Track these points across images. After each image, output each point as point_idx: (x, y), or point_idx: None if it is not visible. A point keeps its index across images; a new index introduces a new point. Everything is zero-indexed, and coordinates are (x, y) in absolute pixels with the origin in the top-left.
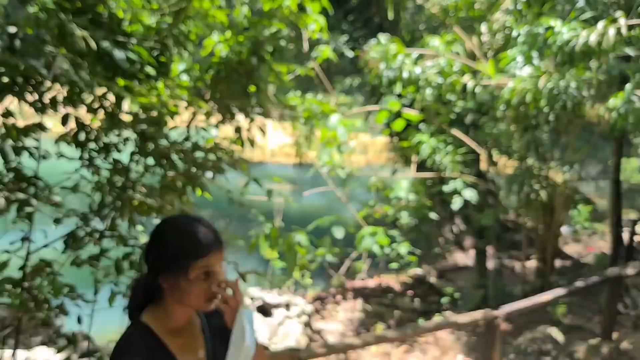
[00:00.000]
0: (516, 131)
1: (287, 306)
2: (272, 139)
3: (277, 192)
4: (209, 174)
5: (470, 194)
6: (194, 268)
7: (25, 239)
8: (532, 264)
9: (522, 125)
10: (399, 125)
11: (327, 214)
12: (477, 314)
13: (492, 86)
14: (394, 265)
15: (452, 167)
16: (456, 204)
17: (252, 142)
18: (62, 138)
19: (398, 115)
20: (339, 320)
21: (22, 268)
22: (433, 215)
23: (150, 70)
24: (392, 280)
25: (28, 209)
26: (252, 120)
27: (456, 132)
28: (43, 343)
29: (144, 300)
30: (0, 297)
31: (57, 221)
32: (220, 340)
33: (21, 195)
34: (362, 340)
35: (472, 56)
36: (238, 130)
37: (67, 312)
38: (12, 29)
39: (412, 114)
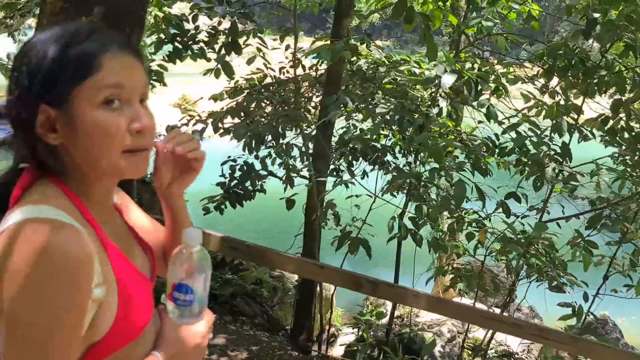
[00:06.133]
0: None
1: None
2: None
3: None
4: None
5: None
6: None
7: (535, 208)
8: None
9: None
10: None
11: None
12: None
13: None
14: None
15: None
16: None
17: None
18: (589, 122)
19: None
20: None
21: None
22: None
23: None
24: None
25: (572, 185)
26: None
27: None
28: (497, 306)
29: None
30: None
31: (583, 200)
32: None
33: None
34: None
35: None
36: None
37: (563, 290)
38: None
39: None
